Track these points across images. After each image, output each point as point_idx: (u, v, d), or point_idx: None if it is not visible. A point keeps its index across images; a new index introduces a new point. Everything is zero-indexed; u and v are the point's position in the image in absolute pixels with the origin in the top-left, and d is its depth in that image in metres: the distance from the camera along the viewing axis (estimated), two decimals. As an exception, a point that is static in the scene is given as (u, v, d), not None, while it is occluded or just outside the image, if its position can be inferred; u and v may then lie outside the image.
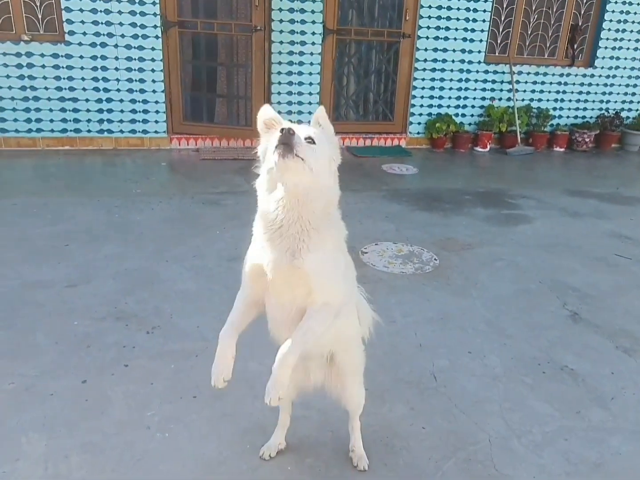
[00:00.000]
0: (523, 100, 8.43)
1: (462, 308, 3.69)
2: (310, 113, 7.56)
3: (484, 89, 8.23)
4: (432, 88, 8.02)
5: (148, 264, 4.00)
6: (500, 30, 8.15)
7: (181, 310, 3.42)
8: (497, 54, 8.20)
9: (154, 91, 6.93)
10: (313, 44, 7.30)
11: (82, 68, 6.61)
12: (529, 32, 8.29)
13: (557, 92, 8.62)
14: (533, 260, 4.50)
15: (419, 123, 8.17)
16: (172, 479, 2.22)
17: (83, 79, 6.65)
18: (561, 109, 8.71)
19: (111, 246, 4.25)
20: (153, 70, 6.84)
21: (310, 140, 1.61)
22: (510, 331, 3.45)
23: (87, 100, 6.75)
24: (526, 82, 8.40)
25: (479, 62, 8.05)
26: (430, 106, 8.11)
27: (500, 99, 8.31)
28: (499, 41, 8.18)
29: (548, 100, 8.60)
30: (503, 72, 8.21)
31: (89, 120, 6.85)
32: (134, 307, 3.42)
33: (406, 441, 2.51)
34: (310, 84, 7.47)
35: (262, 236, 1.75)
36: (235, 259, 4.15)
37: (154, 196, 5.40)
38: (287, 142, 1.54)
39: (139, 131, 7.07)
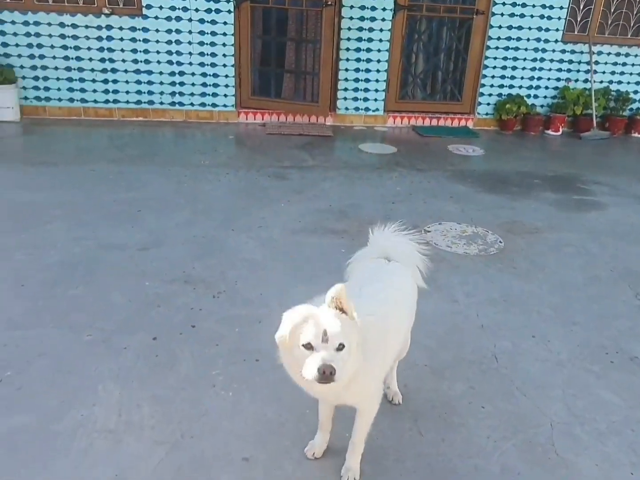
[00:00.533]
0: (601, 82, 8.02)
1: (527, 292, 3.61)
2: (376, 91, 7.49)
3: (559, 70, 7.88)
4: (504, 67, 7.76)
5: (215, 233, 4.13)
6: (581, 7, 7.74)
7: (246, 278, 3.52)
8: (576, 33, 7.81)
9: (224, 65, 7.05)
10: (383, 20, 7.20)
11: (157, 41, 6.81)
12: (612, 10, 7.84)
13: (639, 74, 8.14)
14: (605, 248, 4.32)
15: (488, 104, 7.94)
16: (235, 435, 2.31)
17: (158, 52, 6.86)
18: (643, 92, 8.23)
19: (181, 214, 4.41)
20: (224, 45, 6.95)
21: (341, 345, 1.61)
22: (578, 318, 3.35)
23: (160, 73, 6.96)
24: (606, 63, 7.97)
25: (556, 41, 7.70)
26: (501, 86, 7.86)
27: (576, 80, 7.94)
28: (578, 19, 7.78)
29: (629, 82, 8.15)
30: (581, 52, 7.83)
31: (162, 93, 7.07)
32: (202, 273, 3.55)
33: (465, 419, 2.51)
34: (379, 60, 7.39)
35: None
36: (300, 231, 4.24)
37: (222, 168, 5.54)
38: (327, 380, 1.56)
39: (209, 104, 7.24)
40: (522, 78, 7.86)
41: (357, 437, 2.10)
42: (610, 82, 8.08)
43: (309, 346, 1.58)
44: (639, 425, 2.53)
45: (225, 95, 7.22)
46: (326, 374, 1.53)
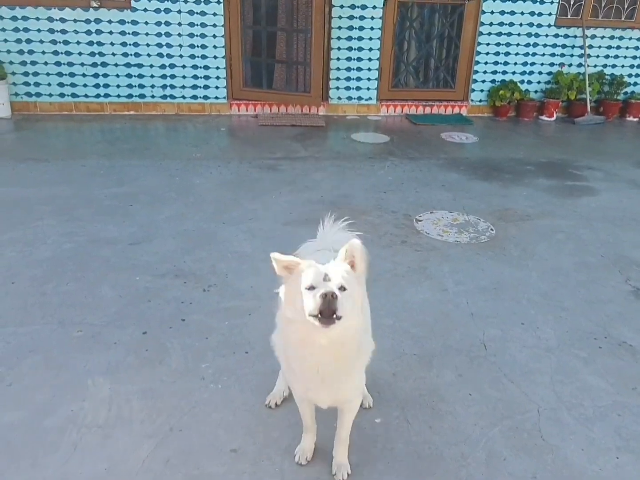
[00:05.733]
0: (595, 66, 7.98)
1: (517, 279, 3.62)
2: (369, 80, 7.46)
3: (553, 54, 7.84)
4: (497, 53, 7.71)
5: (206, 226, 4.13)
6: (574, -10, 7.68)
7: (237, 270, 3.53)
8: (569, 17, 7.75)
9: (215, 57, 7.02)
10: (374, 7, 7.15)
11: (147, 34, 6.77)
12: (605, -7, 7.78)
13: (634, 57, 8.10)
14: (596, 234, 4.33)
15: (482, 90, 7.90)
16: (223, 427, 2.33)
17: (148, 44, 6.82)
18: (637, 75, 8.19)
19: (172, 207, 4.41)
20: (214, 36, 6.91)
21: (342, 287, 1.58)
22: (567, 304, 3.36)
23: (151, 66, 6.93)
24: (600, 47, 7.93)
25: (549, 26, 7.66)
26: (495, 72, 7.82)
27: (570, 65, 7.90)
28: (571, 2, 7.72)
29: (623, 66, 8.11)
30: (575, 36, 7.78)
31: (152, 86, 7.04)
32: (192, 266, 3.56)
33: (452, 406, 2.53)
34: (370, 49, 7.35)
35: (300, 378, 1.85)
36: (291, 223, 4.24)
37: (213, 160, 5.53)
38: (329, 307, 1.52)
39: (200, 97, 7.21)
40: (515, 64, 7.82)
41: (344, 433, 2.10)
42: (605, 66, 8.04)
43: (311, 288, 1.56)
44: (626, 410, 2.55)
45: (217, 87, 7.19)
46: (327, 299, 1.50)
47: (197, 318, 3.04)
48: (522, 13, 7.52)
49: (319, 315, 1.54)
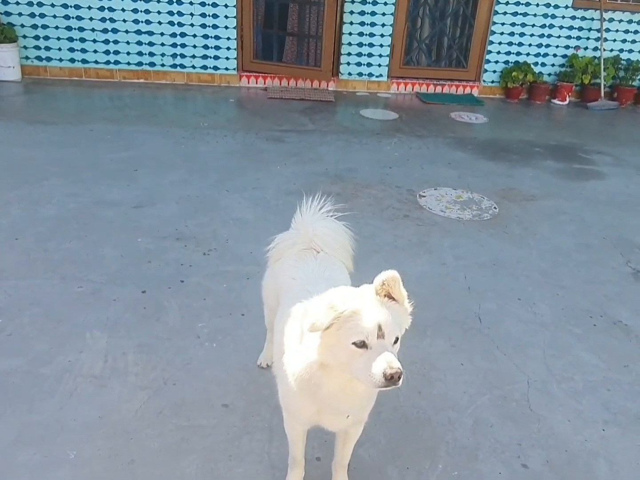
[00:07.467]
0: (611, 50, 7.84)
1: (517, 256, 3.63)
2: (380, 56, 7.38)
3: (568, 37, 7.70)
4: (512, 34, 7.59)
5: (209, 192, 4.15)
6: (594, -28, 7.52)
7: (237, 236, 3.56)
8: (587, -2, 7.60)
9: (226, 27, 6.95)
10: (389, -18, 7.05)
11: (158, 1, 6.71)
12: (627, -25, 7.62)
13: (652, 43, 7.94)
14: (600, 217, 4.31)
15: (494, 71, 7.80)
16: (216, 383, 2.38)
17: (159, 12, 6.76)
18: (654, 61, 8.03)
19: (176, 173, 4.43)
20: (226, 6, 6.84)
21: (397, 339, 1.42)
22: (565, 283, 3.37)
23: (162, 34, 6.88)
24: (617, 31, 7.77)
25: (566, 7, 7.51)
26: (508, 53, 7.71)
27: (585, 49, 7.77)
28: (591, -16, 7.57)
29: (640, 51, 7.96)
30: (592, 19, 7.63)
31: (163, 55, 7.00)
32: (194, 230, 3.59)
33: (443, 374, 2.56)
34: (383, 25, 7.25)
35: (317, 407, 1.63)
36: (293, 193, 4.24)
37: (220, 130, 5.53)
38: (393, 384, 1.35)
39: (210, 67, 7.17)
40: (529, 45, 7.69)
41: (347, 460, 1.95)
42: (621, 50, 7.89)
43: (361, 344, 1.36)
44: (616, 386, 2.57)
45: (227, 58, 7.14)
46: (394, 379, 1.32)
47: (196, 280, 3.08)
48: (540, -7, 7.39)
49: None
